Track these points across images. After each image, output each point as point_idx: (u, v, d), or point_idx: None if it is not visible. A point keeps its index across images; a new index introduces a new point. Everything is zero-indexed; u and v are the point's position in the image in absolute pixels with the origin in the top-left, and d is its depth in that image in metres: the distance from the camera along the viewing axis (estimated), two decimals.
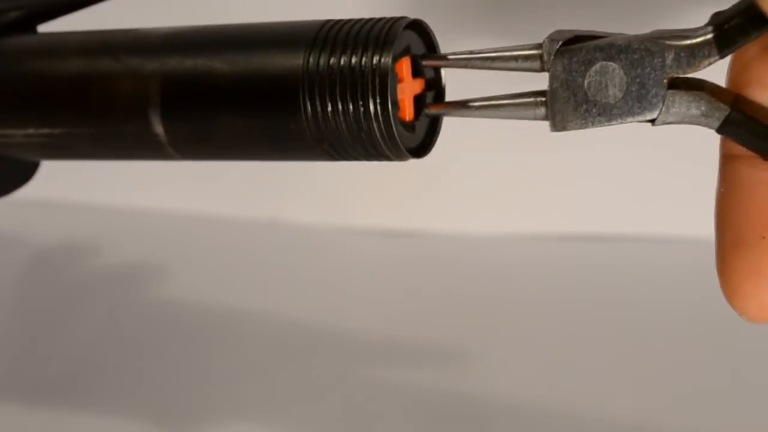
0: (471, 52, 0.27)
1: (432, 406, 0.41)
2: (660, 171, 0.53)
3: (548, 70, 0.26)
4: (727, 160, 0.27)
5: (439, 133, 0.29)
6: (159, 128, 0.29)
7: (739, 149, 0.26)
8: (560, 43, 0.26)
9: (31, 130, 0.32)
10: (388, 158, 0.28)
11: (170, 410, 0.42)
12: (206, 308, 0.51)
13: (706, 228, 0.50)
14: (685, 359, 0.44)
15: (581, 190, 0.55)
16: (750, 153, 0.26)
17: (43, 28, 0.34)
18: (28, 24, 0.34)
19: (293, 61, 0.27)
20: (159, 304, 0.51)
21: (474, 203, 0.56)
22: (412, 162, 0.28)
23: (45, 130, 0.31)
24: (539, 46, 0.26)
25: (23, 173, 0.36)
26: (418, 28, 0.28)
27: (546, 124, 0.26)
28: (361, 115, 0.27)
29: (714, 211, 0.27)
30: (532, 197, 0.55)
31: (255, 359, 0.46)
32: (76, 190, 0.59)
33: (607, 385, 0.42)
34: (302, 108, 0.27)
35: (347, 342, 0.47)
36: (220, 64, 0.28)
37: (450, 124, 0.29)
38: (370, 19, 0.27)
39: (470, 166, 0.55)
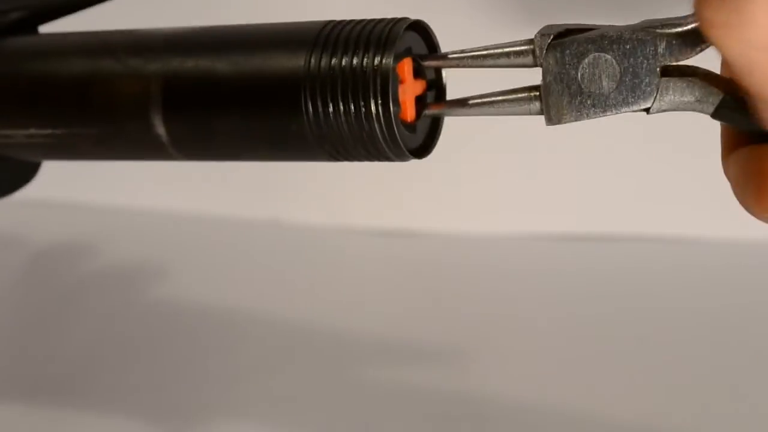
0: (464, 51, 0.27)
1: (431, 406, 0.41)
2: (660, 172, 0.53)
3: (541, 65, 0.26)
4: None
5: (440, 133, 0.29)
6: (161, 129, 0.29)
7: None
8: (551, 37, 0.26)
9: (32, 131, 0.32)
10: (389, 159, 0.28)
11: (169, 410, 0.42)
12: (206, 308, 0.51)
13: (707, 228, 0.50)
14: (684, 358, 0.44)
15: (581, 189, 0.55)
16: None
17: (45, 28, 0.34)
18: (30, 25, 0.34)
19: (295, 62, 0.27)
20: (159, 303, 0.51)
21: (474, 203, 0.56)
22: (413, 162, 0.28)
23: (47, 131, 0.31)
24: (530, 41, 0.26)
25: (24, 174, 0.36)
26: (420, 28, 0.28)
27: (542, 118, 0.26)
28: (363, 116, 0.27)
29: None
30: (532, 197, 0.56)
31: (254, 359, 0.46)
32: (76, 190, 0.59)
33: (606, 384, 0.42)
34: (304, 109, 0.27)
35: (347, 342, 0.47)
36: (222, 65, 0.28)
37: (450, 124, 0.29)
38: (372, 20, 0.27)
39: (470, 166, 0.55)
